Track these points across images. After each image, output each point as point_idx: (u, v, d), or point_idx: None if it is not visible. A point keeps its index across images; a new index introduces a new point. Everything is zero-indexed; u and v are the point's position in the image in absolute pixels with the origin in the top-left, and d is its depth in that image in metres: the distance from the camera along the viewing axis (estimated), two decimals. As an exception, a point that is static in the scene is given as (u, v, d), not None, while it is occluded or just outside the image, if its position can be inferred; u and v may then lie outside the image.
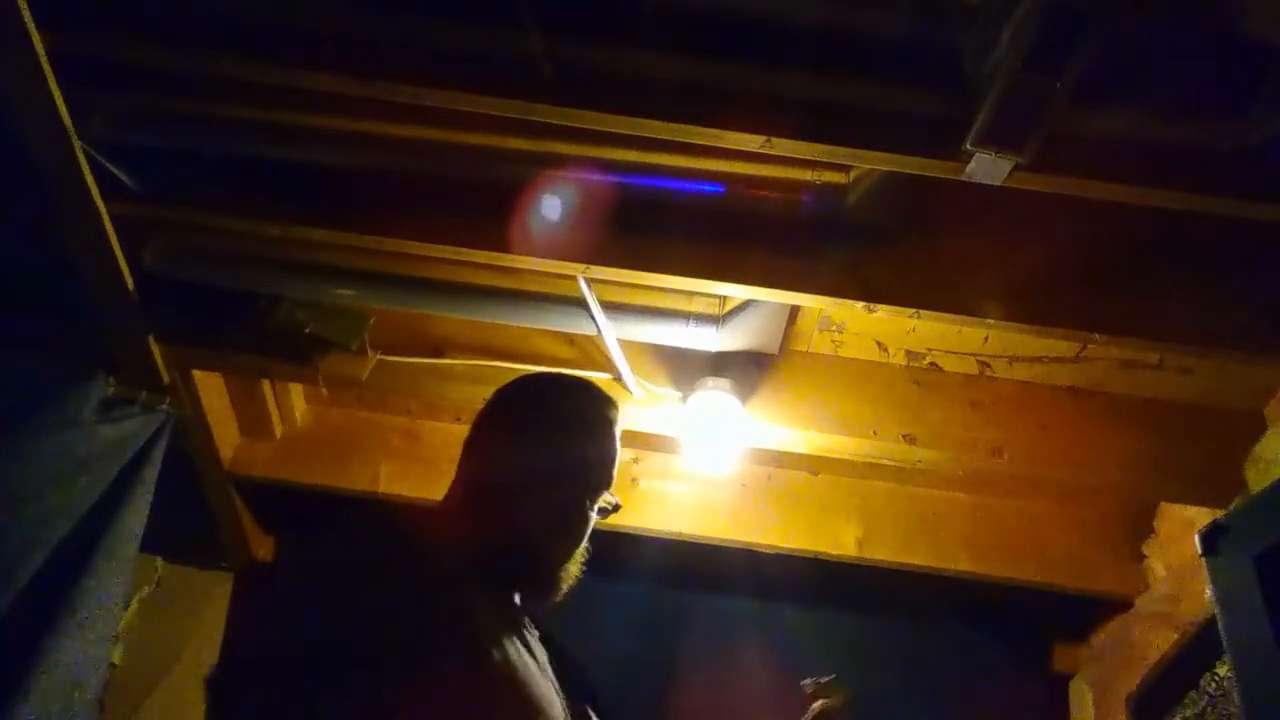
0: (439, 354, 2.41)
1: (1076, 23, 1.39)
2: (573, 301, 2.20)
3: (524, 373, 2.38)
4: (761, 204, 1.98)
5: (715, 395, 2.30)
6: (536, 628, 1.39)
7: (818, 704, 1.74)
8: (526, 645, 1.26)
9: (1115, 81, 1.58)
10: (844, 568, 2.80)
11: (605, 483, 1.44)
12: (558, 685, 1.30)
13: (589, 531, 1.41)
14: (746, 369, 2.37)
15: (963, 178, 1.66)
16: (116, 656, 2.70)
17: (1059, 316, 2.01)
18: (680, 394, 2.36)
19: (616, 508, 1.47)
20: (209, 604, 2.93)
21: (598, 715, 1.39)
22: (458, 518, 1.36)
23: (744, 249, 2.01)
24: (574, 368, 2.39)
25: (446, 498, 1.41)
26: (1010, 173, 1.62)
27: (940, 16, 1.58)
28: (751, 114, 1.68)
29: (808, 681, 1.80)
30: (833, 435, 2.37)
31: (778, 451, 2.48)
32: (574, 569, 1.40)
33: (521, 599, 1.38)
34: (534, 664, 1.24)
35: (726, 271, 2.01)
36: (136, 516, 2.21)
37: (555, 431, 1.44)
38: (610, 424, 1.48)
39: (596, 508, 1.42)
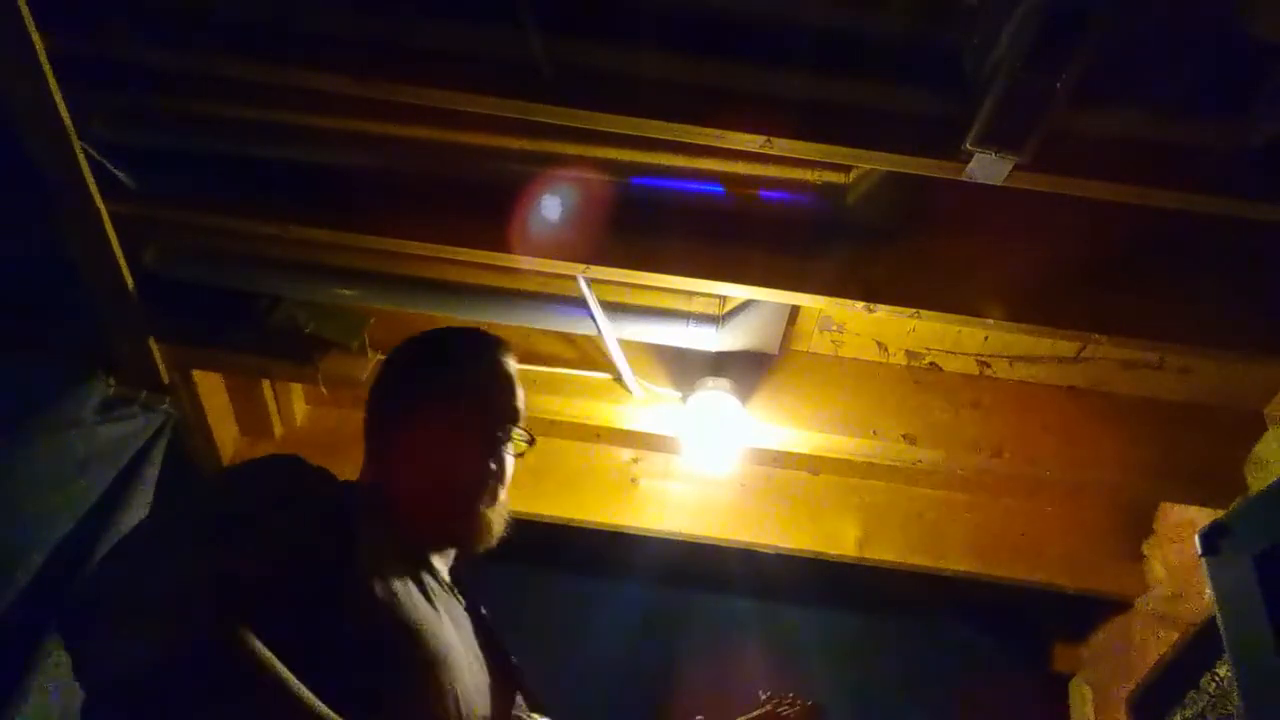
0: (439, 354, 2.41)
1: (1076, 23, 1.39)
2: (573, 301, 2.20)
3: (524, 373, 2.40)
4: (761, 204, 1.98)
5: (715, 395, 2.30)
6: (460, 595, 1.36)
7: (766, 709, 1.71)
8: (425, 591, 1.23)
9: (1115, 81, 1.58)
10: (844, 568, 2.80)
11: (502, 420, 1.40)
12: (479, 651, 1.28)
13: (503, 474, 1.38)
14: (746, 369, 2.37)
15: (963, 178, 1.66)
16: (116, 656, 2.69)
17: (1059, 316, 2.01)
18: (680, 394, 2.36)
19: (532, 441, 1.42)
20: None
21: (527, 698, 1.35)
22: (364, 484, 1.37)
23: (744, 249, 2.01)
24: (574, 368, 2.40)
25: (361, 474, 1.41)
26: (1010, 172, 1.62)
27: (940, 16, 1.58)
28: (751, 114, 1.68)
29: (767, 694, 1.74)
30: (833, 435, 2.37)
31: (778, 451, 2.48)
32: (492, 516, 1.36)
33: (437, 560, 1.35)
34: (428, 608, 1.20)
35: (726, 271, 2.01)
36: (136, 516, 2.21)
37: (437, 380, 1.41)
38: (496, 361, 1.45)
39: (509, 448, 1.39)
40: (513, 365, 1.46)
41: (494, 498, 1.36)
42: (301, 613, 1.04)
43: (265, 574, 1.03)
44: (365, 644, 1.08)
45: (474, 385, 1.40)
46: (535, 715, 1.29)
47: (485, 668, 1.27)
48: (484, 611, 1.39)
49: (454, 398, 1.38)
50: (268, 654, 0.96)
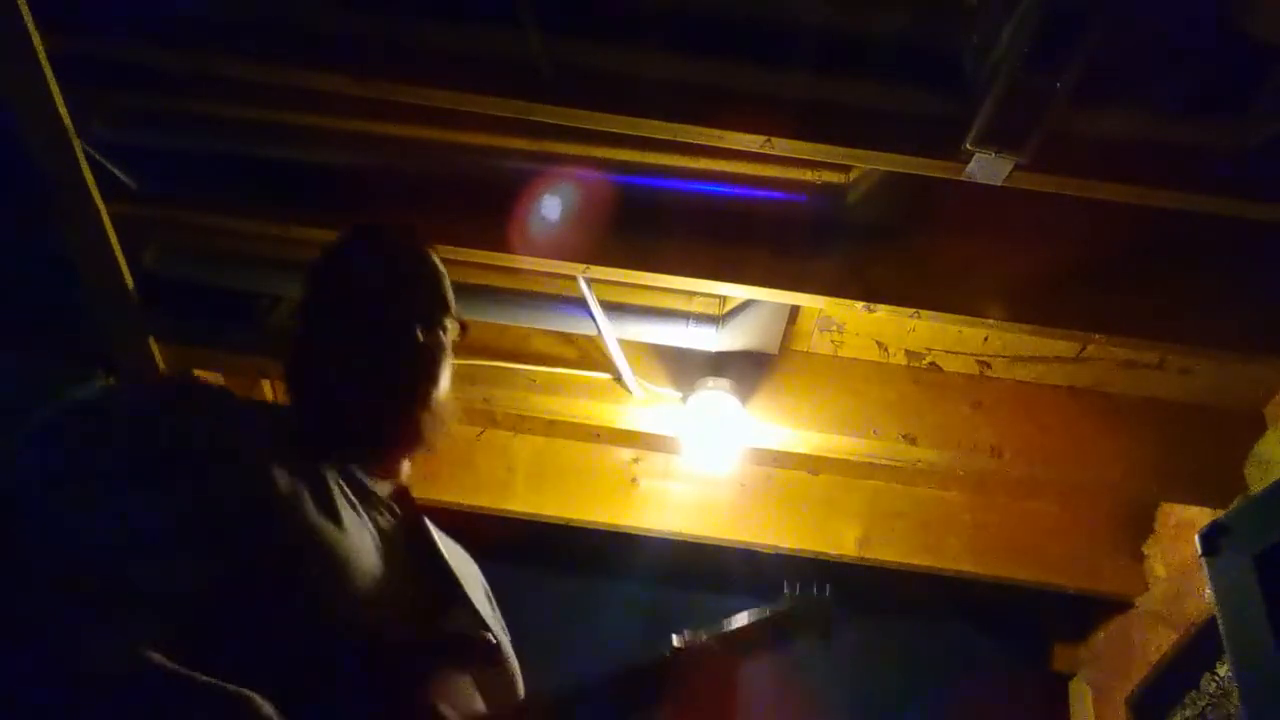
0: (439, 354, 2.41)
1: (1076, 22, 1.39)
2: (573, 301, 2.20)
3: (524, 373, 2.41)
4: (761, 204, 1.98)
5: (715, 395, 2.30)
6: (395, 511, 1.24)
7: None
8: (324, 500, 1.11)
9: (1115, 81, 1.58)
10: (844, 568, 2.80)
11: (418, 313, 1.27)
12: (403, 567, 1.17)
13: (430, 370, 1.26)
14: (746, 369, 2.37)
15: (963, 178, 1.66)
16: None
17: (1059, 316, 2.01)
18: (680, 394, 2.36)
19: (464, 329, 1.32)
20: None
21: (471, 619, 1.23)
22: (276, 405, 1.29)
23: (744, 249, 2.01)
24: (574, 368, 2.39)
25: None
26: (1010, 173, 1.62)
27: (940, 16, 1.58)
28: (751, 114, 1.68)
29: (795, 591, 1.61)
30: (833, 435, 2.37)
31: (778, 451, 2.48)
32: (423, 417, 1.25)
33: (367, 474, 1.23)
34: (320, 517, 1.09)
35: (726, 271, 2.01)
36: (136, 516, 2.21)
37: (337, 286, 1.29)
38: (405, 254, 1.33)
39: (438, 340, 1.28)
40: (427, 255, 1.34)
41: (422, 398, 1.25)
42: (204, 551, 0.99)
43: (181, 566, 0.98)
44: (255, 555, 1.02)
45: (378, 282, 1.28)
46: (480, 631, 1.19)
47: (407, 583, 1.16)
48: (433, 531, 1.29)
49: (360, 299, 1.27)
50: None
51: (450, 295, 1.33)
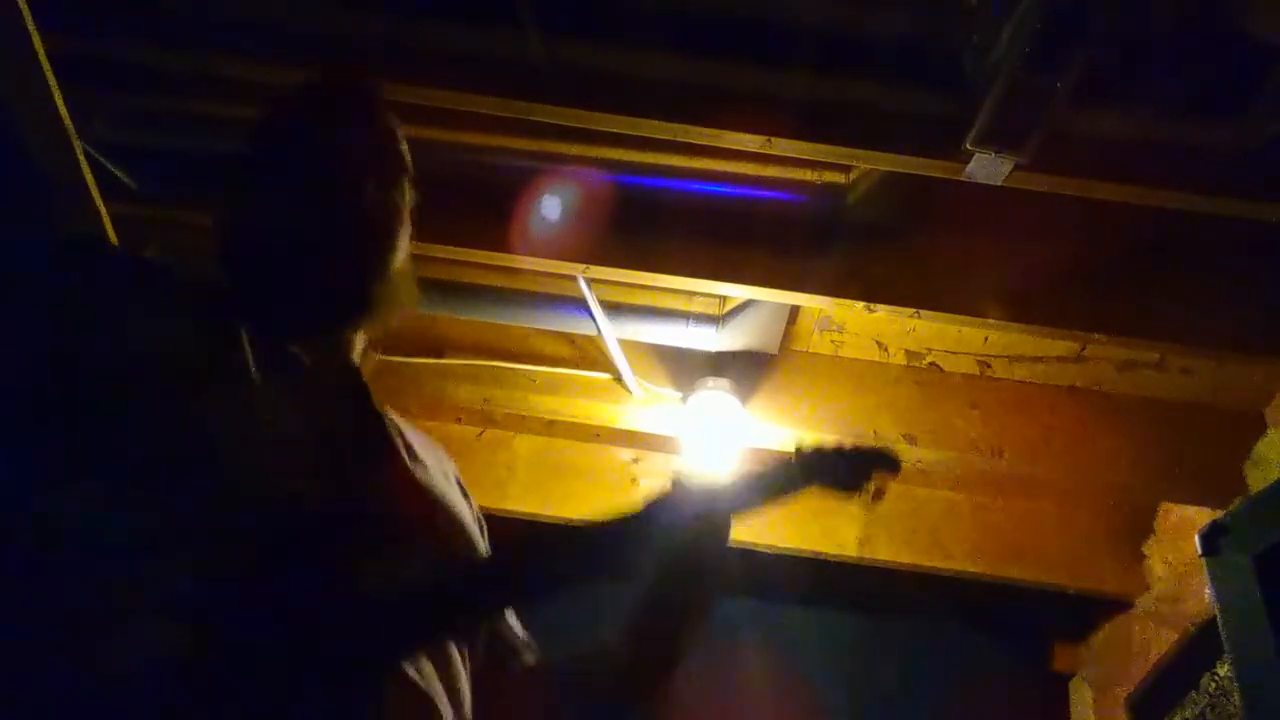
0: (439, 354, 2.41)
1: (1077, 22, 1.39)
2: (573, 301, 2.20)
3: (524, 373, 2.41)
4: (761, 204, 1.99)
5: (715, 395, 2.30)
6: (334, 393, 1.10)
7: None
8: (225, 376, 0.98)
9: (1115, 81, 1.58)
10: (844, 568, 2.80)
11: (374, 166, 1.16)
12: (328, 448, 1.04)
13: (392, 229, 1.15)
14: (746, 369, 2.37)
15: (963, 178, 1.66)
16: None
17: (1059, 316, 2.01)
18: (680, 394, 2.36)
19: (417, 202, 1.19)
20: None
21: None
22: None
23: (744, 249, 2.01)
24: (574, 368, 2.39)
25: None
26: (1010, 173, 1.62)
27: (940, 16, 1.58)
28: (751, 114, 1.68)
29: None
30: (833, 435, 2.37)
31: (778, 451, 2.48)
32: (378, 290, 1.13)
33: (305, 350, 1.08)
34: (219, 390, 0.97)
35: (726, 271, 2.01)
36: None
37: (284, 131, 1.19)
38: (358, 104, 1.20)
39: (397, 198, 1.16)
40: (381, 109, 1.21)
41: (372, 262, 1.13)
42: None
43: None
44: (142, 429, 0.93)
45: (323, 135, 1.15)
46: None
47: (328, 468, 1.03)
48: (380, 411, 1.16)
49: (302, 152, 1.14)
50: None
51: (407, 156, 1.19)
